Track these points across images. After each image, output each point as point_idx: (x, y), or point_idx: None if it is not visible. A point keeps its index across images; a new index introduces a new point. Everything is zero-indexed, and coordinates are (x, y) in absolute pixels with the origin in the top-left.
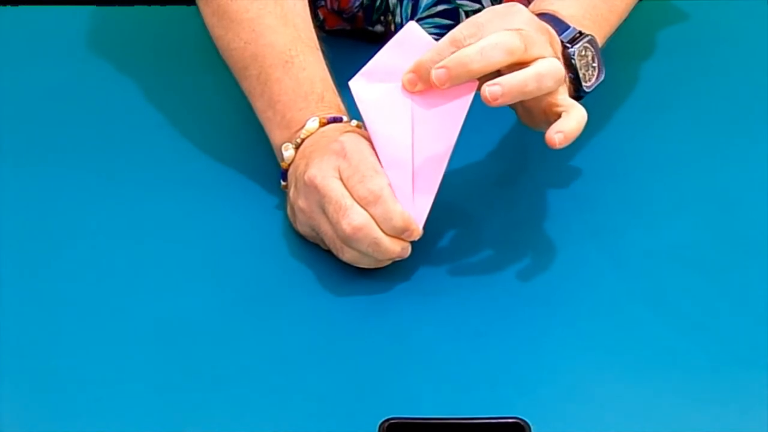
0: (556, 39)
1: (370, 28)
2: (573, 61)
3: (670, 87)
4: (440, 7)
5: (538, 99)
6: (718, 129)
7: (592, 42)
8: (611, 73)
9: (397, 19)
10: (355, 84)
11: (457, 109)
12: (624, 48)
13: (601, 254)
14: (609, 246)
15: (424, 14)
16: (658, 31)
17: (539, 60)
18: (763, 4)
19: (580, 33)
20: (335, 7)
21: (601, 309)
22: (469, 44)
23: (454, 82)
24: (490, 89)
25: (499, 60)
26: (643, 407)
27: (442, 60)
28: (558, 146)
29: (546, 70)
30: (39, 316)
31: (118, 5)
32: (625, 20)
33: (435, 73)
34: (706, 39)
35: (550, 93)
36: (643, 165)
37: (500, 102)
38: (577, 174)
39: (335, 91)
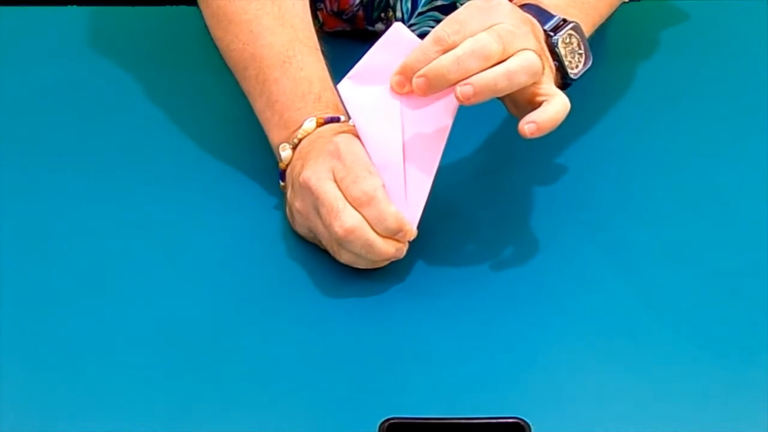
0: (539, 29)
1: (370, 28)
2: (557, 49)
3: (669, 86)
4: (439, 2)
5: (522, 90)
6: (718, 128)
7: (576, 29)
8: (610, 72)
9: (398, 14)
10: (344, 87)
11: (447, 107)
12: (624, 48)
13: (601, 253)
14: (609, 245)
15: (424, 9)
16: (658, 31)
17: (512, 56)
18: (763, 4)
19: (564, 20)
20: (335, 8)
21: (601, 309)
22: (453, 42)
23: (434, 91)
24: (461, 89)
25: (477, 67)
26: (643, 407)
27: (427, 60)
28: (529, 136)
29: (517, 67)
30: (39, 315)
31: (118, 5)
32: (626, 20)
33: (415, 82)
34: (706, 39)
35: (533, 84)
36: (641, 163)
37: (473, 101)
38: (575, 172)
39: (334, 90)
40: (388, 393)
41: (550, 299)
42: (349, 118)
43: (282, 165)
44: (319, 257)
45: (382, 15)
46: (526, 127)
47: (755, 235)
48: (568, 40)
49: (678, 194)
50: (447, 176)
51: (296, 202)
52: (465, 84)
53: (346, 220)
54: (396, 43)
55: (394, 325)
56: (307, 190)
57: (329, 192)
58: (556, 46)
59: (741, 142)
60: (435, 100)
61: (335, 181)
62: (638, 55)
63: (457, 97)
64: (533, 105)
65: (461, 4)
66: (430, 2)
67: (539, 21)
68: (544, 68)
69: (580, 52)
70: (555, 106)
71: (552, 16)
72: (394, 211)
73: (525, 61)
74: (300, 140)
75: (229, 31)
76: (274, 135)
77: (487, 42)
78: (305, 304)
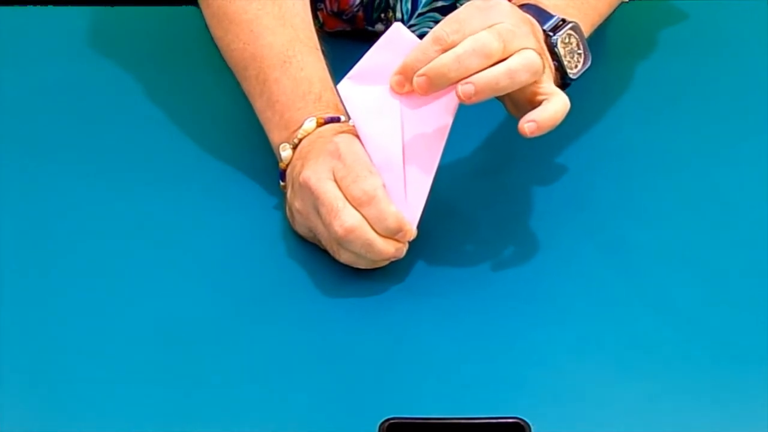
0: (539, 29)
1: (370, 28)
2: (556, 49)
3: (669, 86)
4: (439, 3)
5: (522, 89)
6: (718, 128)
7: (575, 29)
8: (610, 71)
9: (398, 15)
10: (343, 87)
11: (446, 107)
12: (624, 48)
13: (601, 253)
14: (608, 245)
15: (424, 9)
16: (658, 31)
17: (513, 54)
18: (763, 4)
19: (563, 20)
20: (335, 8)
21: (601, 308)
22: (453, 41)
23: (434, 90)
24: (463, 88)
25: (477, 66)
26: (643, 407)
27: (427, 60)
28: (529, 135)
29: (518, 65)
30: (39, 316)
31: (118, 5)
32: (626, 20)
33: (416, 81)
34: (706, 39)
35: (533, 83)
36: (641, 163)
37: (474, 100)
38: (574, 172)
39: (334, 90)
40: (388, 393)
41: (550, 299)
42: (350, 118)
43: (282, 165)
44: (319, 257)
45: (382, 15)
46: (526, 126)
47: (755, 235)
48: (567, 40)
49: (678, 194)
50: (447, 176)
51: (296, 202)
52: (466, 83)
53: (346, 219)
54: (396, 43)
55: (394, 325)
56: (307, 190)
57: (329, 191)
58: (556, 46)
59: (741, 142)
60: (435, 99)
61: (335, 180)
62: (638, 55)
63: (459, 96)
64: (533, 104)
65: (461, 5)
66: (430, 3)
67: (538, 21)
68: (544, 67)
69: (579, 52)
70: (555, 105)
71: (551, 16)
72: (395, 211)
73: (526, 59)
74: (300, 140)
75: (229, 31)
76: (275, 135)
77: (487, 40)
78: (305, 304)
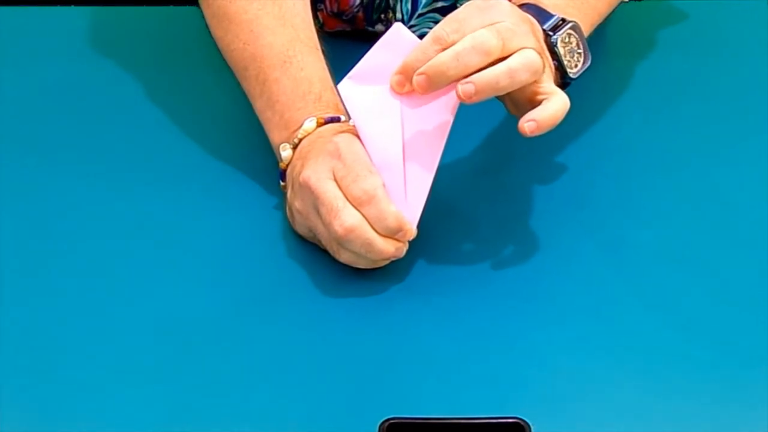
0: (538, 28)
1: (370, 29)
2: (556, 48)
3: (669, 86)
4: (439, 4)
5: (522, 89)
6: (718, 128)
7: (575, 28)
8: (610, 71)
9: (398, 15)
10: (344, 87)
11: (447, 107)
12: (624, 47)
13: (601, 252)
14: (608, 244)
15: (424, 10)
16: (658, 30)
17: (514, 54)
18: (763, 4)
19: (563, 20)
20: (335, 9)
21: (601, 309)
22: (453, 41)
23: (434, 88)
24: (463, 88)
25: (477, 63)
26: (643, 407)
27: (427, 59)
28: (529, 134)
29: (518, 65)
30: (39, 316)
31: (118, 5)
32: (626, 20)
33: (415, 80)
34: (706, 39)
35: (533, 82)
36: (641, 163)
37: (475, 99)
38: (574, 171)
39: (334, 90)
40: (388, 393)
41: (550, 299)
42: (350, 118)
43: (282, 165)
44: (319, 257)
45: (382, 16)
46: (526, 125)
47: (755, 235)
48: (567, 40)
49: (678, 194)
50: (447, 176)
51: (296, 202)
52: (466, 82)
53: (346, 219)
54: (396, 43)
55: (394, 325)
56: (307, 190)
57: (329, 191)
58: (555, 45)
59: (741, 142)
60: (435, 99)
61: (335, 180)
62: (638, 54)
63: (459, 96)
64: (533, 103)
65: (461, 5)
66: (430, 3)
67: (538, 20)
68: (544, 67)
69: (579, 51)
70: (555, 104)
71: (551, 16)
72: (394, 211)
73: (526, 59)
74: (300, 140)
75: (229, 31)
76: (275, 135)
77: (486, 38)
78: (305, 304)
